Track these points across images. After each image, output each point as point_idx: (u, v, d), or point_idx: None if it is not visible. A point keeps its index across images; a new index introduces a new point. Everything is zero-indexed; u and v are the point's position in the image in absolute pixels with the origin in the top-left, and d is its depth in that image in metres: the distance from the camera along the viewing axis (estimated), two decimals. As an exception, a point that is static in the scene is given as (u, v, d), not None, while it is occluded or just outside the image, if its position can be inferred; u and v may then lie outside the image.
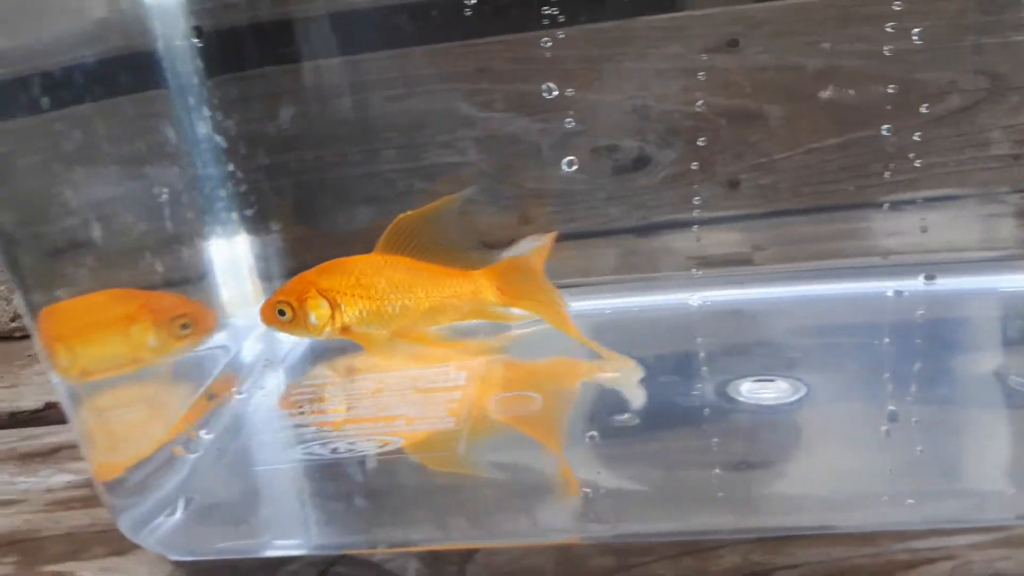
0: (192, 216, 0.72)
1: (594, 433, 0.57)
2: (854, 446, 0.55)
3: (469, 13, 0.71)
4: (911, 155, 0.75)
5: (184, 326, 0.62)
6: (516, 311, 0.67)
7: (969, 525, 0.47)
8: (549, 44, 0.72)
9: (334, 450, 0.59)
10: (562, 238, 0.71)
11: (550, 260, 0.70)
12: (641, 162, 0.82)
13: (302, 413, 0.64)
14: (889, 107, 0.75)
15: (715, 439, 0.57)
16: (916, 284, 0.73)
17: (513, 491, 0.55)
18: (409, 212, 0.64)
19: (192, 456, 0.61)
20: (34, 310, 0.53)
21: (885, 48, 0.74)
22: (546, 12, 0.69)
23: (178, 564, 0.53)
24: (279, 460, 0.60)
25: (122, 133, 0.65)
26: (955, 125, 0.76)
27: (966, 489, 0.51)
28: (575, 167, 0.78)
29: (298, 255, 0.80)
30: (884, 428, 0.54)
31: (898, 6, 0.72)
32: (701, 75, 0.77)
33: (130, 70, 0.67)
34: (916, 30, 0.71)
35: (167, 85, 0.70)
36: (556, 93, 0.75)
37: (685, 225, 0.82)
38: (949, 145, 0.76)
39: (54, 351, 0.53)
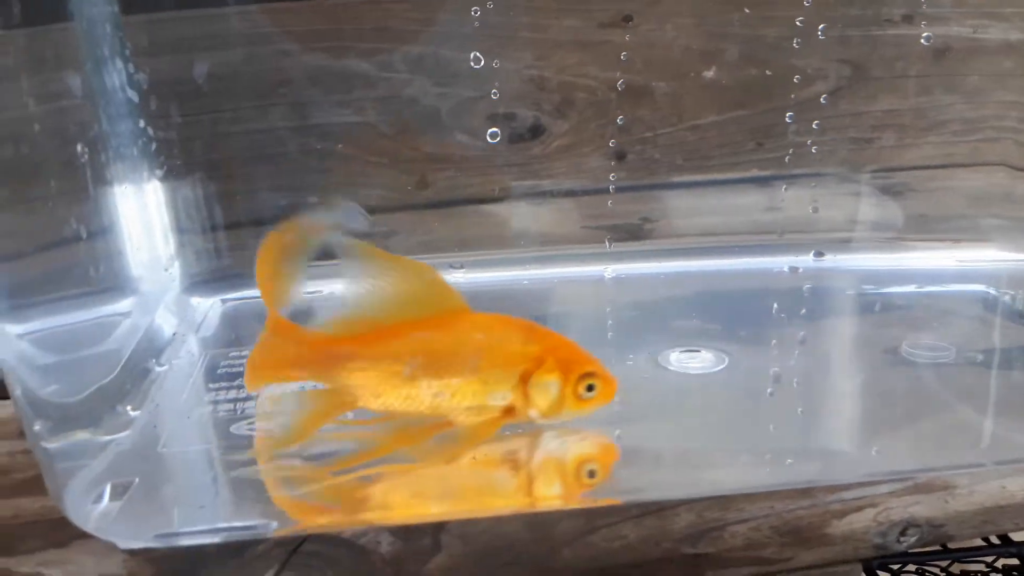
0: (99, 168, 0.66)
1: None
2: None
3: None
4: (781, 135, 0.82)
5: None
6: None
7: (886, 478, 0.54)
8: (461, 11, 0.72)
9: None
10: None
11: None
12: (536, 131, 0.84)
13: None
14: (763, 89, 0.82)
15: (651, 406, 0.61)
16: (806, 260, 0.80)
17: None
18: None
19: (122, 435, 0.57)
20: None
21: (764, 33, 0.80)
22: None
23: (131, 553, 0.50)
24: (223, 437, 0.58)
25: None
26: (820, 109, 0.83)
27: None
28: (498, 139, 0.79)
29: (213, 215, 0.76)
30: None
31: None
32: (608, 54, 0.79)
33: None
34: (791, 19, 0.77)
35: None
36: (471, 65, 0.75)
37: (576, 194, 0.85)
38: (814, 127, 0.83)
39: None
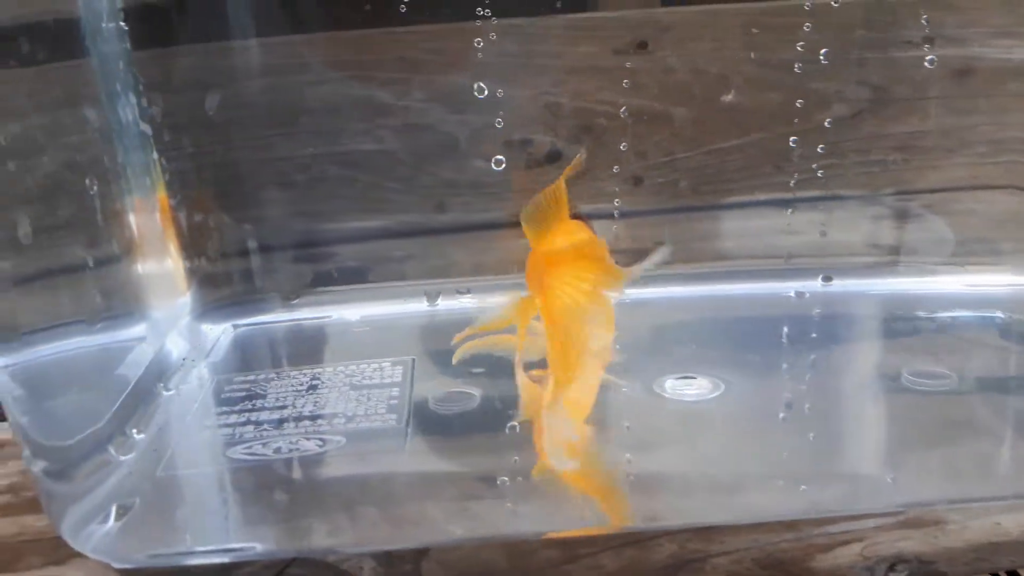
0: (111, 199, 0.69)
1: (515, 424, 0.59)
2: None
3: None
4: (801, 158, 0.81)
5: None
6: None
7: (872, 511, 0.53)
8: (477, 40, 0.74)
9: (276, 450, 0.60)
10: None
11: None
12: (553, 156, 0.85)
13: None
14: (782, 113, 0.81)
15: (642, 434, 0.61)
16: (814, 284, 0.80)
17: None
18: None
19: (125, 458, 0.59)
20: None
21: (781, 57, 0.80)
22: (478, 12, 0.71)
23: (123, 572, 0.52)
24: (220, 461, 0.60)
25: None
26: (840, 132, 0.82)
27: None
28: (503, 166, 0.80)
29: (225, 243, 0.79)
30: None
31: (795, 19, 0.78)
32: (623, 79, 0.80)
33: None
34: (809, 42, 0.76)
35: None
36: (487, 92, 0.76)
37: (594, 218, 0.85)
38: (835, 150, 0.82)
39: None
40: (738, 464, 0.58)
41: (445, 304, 0.83)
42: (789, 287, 0.80)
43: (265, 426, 0.62)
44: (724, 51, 0.81)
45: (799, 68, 0.77)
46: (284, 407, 0.65)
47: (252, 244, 0.81)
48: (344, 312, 0.81)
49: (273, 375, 0.69)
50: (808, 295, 0.78)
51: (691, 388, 0.65)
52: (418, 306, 0.82)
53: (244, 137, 0.80)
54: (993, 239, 0.84)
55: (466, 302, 0.83)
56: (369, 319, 0.81)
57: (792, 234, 0.83)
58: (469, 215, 0.85)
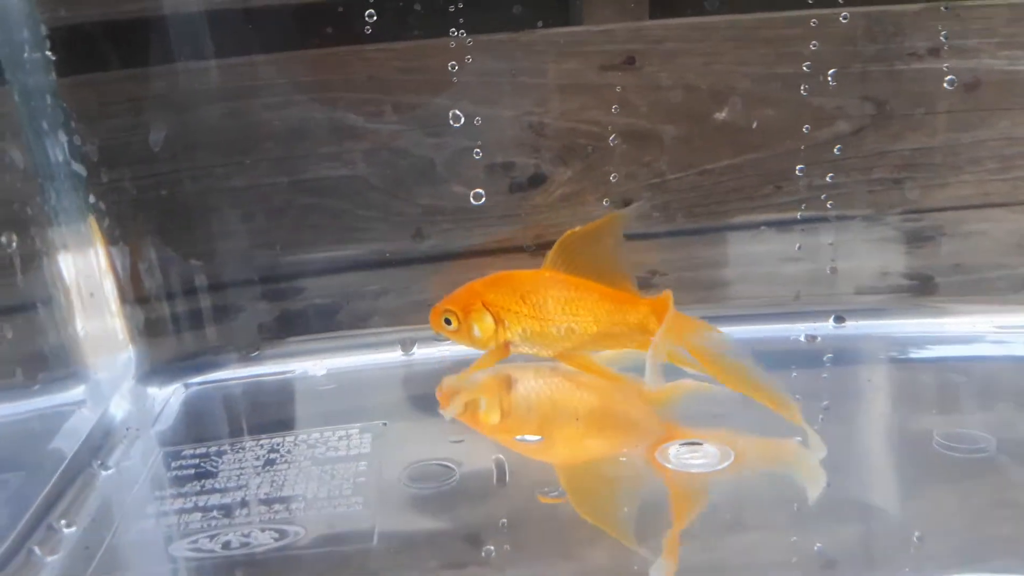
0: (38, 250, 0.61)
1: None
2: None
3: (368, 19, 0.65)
4: (802, 177, 0.75)
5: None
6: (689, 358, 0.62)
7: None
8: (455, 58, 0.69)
9: (225, 544, 0.52)
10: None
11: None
12: (537, 180, 0.78)
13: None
14: (781, 130, 0.75)
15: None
16: (826, 326, 0.73)
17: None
18: (576, 228, 0.64)
19: (51, 559, 0.52)
20: None
21: (778, 71, 0.74)
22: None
23: None
24: (162, 559, 0.52)
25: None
26: (843, 149, 0.76)
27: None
28: (483, 199, 0.73)
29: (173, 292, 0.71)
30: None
31: (792, 31, 0.72)
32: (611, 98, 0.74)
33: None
34: (808, 55, 0.71)
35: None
36: (466, 113, 0.70)
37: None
38: (836, 168, 0.76)
39: None
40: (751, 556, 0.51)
41: (421, 353, 0.76)
42: (799, 330, 0.73)
43: (215, 513, 0.54)
44: (717, 65, 0.76)
45: (802, 84, 0.71)
46: (238, 488, 0.57)
47: (206, 288, 0.74)
48: (308, 365, 0.74)
49: (227, 446, 0.62)
50: (820, 339, 0.72)
51: (697, 456, 0.57)
52: (392, 355, 0.75)
53: (195, 170, 0.73)
54: (1013, 265, 0.79)
55: (444, 349, 0.76)
56: (336, 372, 0.73)
57: (797, 260, 0.77)
58: (450, 243, 0.78)
